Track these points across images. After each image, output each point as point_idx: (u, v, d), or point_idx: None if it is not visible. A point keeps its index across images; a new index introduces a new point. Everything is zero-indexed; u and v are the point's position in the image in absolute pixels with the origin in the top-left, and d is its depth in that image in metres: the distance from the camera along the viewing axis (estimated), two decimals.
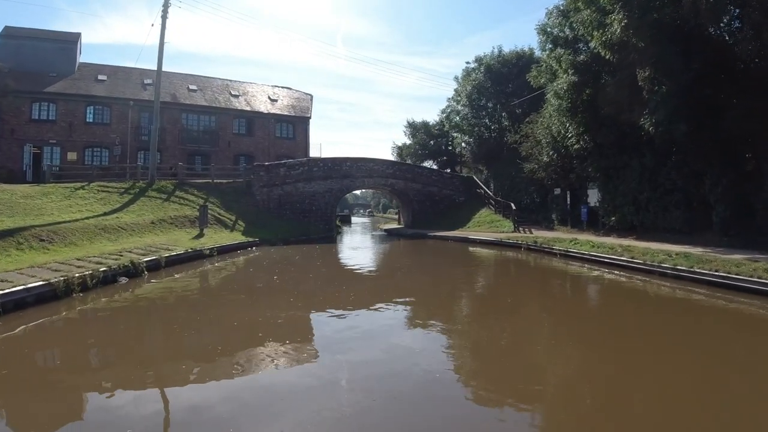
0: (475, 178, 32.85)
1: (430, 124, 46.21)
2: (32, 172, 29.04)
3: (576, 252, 13.99)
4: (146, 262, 11.45)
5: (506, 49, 33.73)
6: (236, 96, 36.35)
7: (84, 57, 36.35)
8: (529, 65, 32.36)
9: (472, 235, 21.42)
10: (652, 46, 13.30)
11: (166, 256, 12.42)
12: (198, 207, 18.50)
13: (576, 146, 17.55)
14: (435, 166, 41.99)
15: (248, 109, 35.36)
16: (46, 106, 31.38)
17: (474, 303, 9.14)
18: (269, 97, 37.81)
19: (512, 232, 21.46)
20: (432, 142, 45.90)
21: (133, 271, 10.70)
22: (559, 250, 14.68)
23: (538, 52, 34.02)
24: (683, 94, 13.47)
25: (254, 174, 24.65)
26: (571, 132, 17.76)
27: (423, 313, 7.94)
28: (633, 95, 14.99)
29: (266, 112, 35.80)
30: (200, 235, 17.37)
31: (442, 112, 39.97)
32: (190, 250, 13.84)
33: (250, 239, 18.33)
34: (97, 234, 14.56)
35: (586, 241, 14.57)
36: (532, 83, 20.81)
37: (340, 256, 17.47)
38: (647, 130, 13.99)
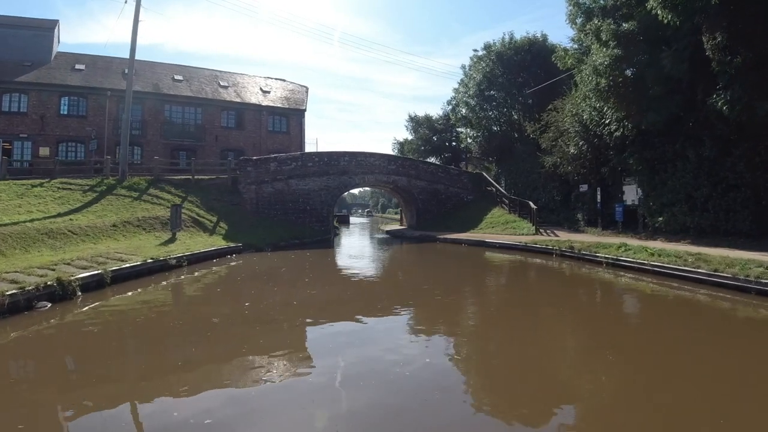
0: (484, 174, 30.17)
1: (434, 118, 43.58)
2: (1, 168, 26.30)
3: (629, 261, 11.29)
4: (82, 279, 8.70)
5: (517, 36, 31.03)
6: (225, 87, 33.58)
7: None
8: (543, 53, 29.85)
9: (489, 238, 18.71)
10: (726, 4, 10.65)
11: (114, 270, 9.67)
12: (171, 206, 15.70)
13: (617, 133, 14.82)
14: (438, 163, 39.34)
15: (238, 100, 32.57)
16: (17, 97, 28.70)
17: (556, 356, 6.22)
18: (261, 89, 35.05)
19: (533, 234, 18.81)
20: (435, 137, 43.25)
21: (60, 293, 7.97)
22: (606, 258, 11.98)
23: (551, 39, 31.52)
24: (763, 66, 10.83)
25: (241, 170, 21.81)
26: (609, 117, 15.06)
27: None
28: (695, 69, 12.36)
29: (257, 103, 33.03)
30: (171, 240, 14.63)
31: (447, 103, 37.27)
32: (150, 261, 11.08)
33: (232, 244, 15.57)
34: (38, 240, 11.82)
35: (639, 247, 11.87)
36: (558, 64, 18.11)
37: (336, 267, 14.42)
38: (719, 110, 11.33)
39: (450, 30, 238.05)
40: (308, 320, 7.15)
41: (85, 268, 9.48)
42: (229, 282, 10.97)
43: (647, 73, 13.38)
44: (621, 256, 11.61)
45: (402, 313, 7.82)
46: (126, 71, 32.11)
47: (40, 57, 30.36)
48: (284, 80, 38.00)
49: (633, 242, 13.43)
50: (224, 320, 7.08)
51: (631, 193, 16.80)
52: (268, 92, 34.88)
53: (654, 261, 10.64)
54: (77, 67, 31.32)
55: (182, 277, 11.05)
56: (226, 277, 11.52)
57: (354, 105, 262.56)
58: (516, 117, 31.44)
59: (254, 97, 33.58)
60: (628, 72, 13.91)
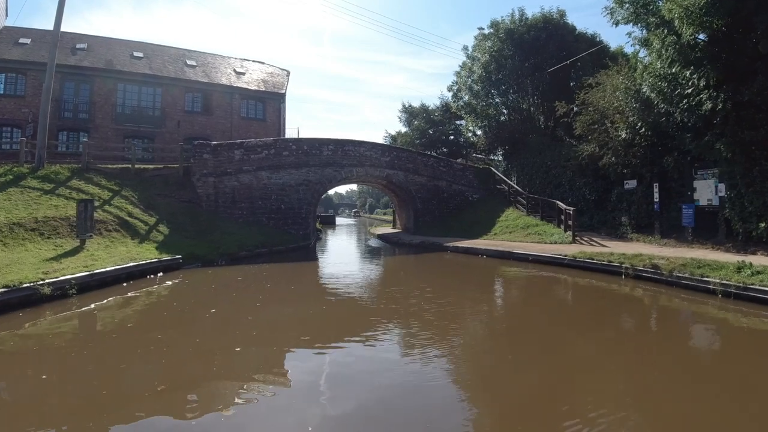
0: (493, 170, 26.05)
1: (430, 108, 39.33)
2: None
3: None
4: None
5: (529, 14, 26.87)
6: (192, 66, 28.90)
7: None
8: (560, 32, 25.81)
9: (517, 248, 14.46)
10: None
11: None
12: (78, 203, 11.11)
13: (706, 105, 10.70)
14: None
15: (205, 80, 27.90)
16: None
17: None
18: (235, 70, 30.45)
19: (571, 243, 14.71)
20: (431, 130, 38.94)
21: None
22: (723, 285, 7.85)
23: (571, 19, 27.60)
24: None
25: (195, 157, 17.14)
26: (692, 86, 10.94)
27: None
28: None
29: (228, 84, 28.40)
30: (75, 251, 10.12)
31: (449, 89, 32.93)
32: None
33: (166, 257, 11.04)
34: None
35: None
36: (608, 20, 13.96)
37: (308, 301, 8.46)
38: None
39: (440, 30, 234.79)
40: None
41: None
42: (85, 351, 5.41)
43: (758, 19, 9.31)
44: (753, 284, 7.48)
45: None
46: (77, 45, 27.60)
47: None
48: (263, 63, 33.44)
49: (724, 257, 9.37)
50: None
51: (706, 191, 12.77)
52: (243, 74, 30.31)
53: None
54: (21, 41, 26.69)
55: (39, 322, 6.55)
56: (92, 333, 6.40)
57: (343, 105, 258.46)
58: (525, 106, 27.46)
59: (225, 78, 28.96)
60: (726, 19, 9.78)
